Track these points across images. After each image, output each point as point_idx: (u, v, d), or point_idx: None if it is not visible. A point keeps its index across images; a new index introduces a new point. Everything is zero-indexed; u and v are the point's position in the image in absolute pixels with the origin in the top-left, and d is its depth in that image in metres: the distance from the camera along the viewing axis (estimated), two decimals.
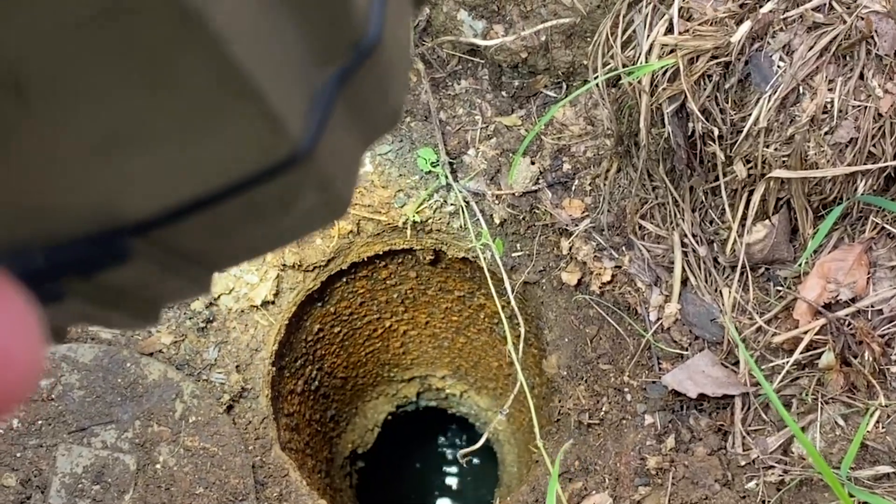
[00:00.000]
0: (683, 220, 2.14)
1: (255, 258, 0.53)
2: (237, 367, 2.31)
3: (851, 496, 1.79)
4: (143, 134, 0.34)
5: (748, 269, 2.09)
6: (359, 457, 3.84)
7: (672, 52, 1.90)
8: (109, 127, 0.33)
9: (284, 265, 2.37)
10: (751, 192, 2.04)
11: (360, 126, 0.46)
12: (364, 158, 2.35)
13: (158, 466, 2.11)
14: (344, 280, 2.74)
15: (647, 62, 1.93)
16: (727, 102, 1.92)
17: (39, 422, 2.07)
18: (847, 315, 1.95)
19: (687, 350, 2.16)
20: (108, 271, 0.42)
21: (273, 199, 0.42)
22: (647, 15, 1.96)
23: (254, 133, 0.36)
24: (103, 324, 0.52)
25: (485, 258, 2.40)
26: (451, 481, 4.79)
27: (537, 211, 2.33)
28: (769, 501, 1.92)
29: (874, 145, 1.85)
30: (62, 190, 0.36)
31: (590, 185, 2.29)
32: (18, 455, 2.03)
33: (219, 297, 2.31)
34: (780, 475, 1.94)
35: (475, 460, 4.75)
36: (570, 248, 2.30)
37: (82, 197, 0.37)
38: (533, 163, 2.31)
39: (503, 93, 2.40)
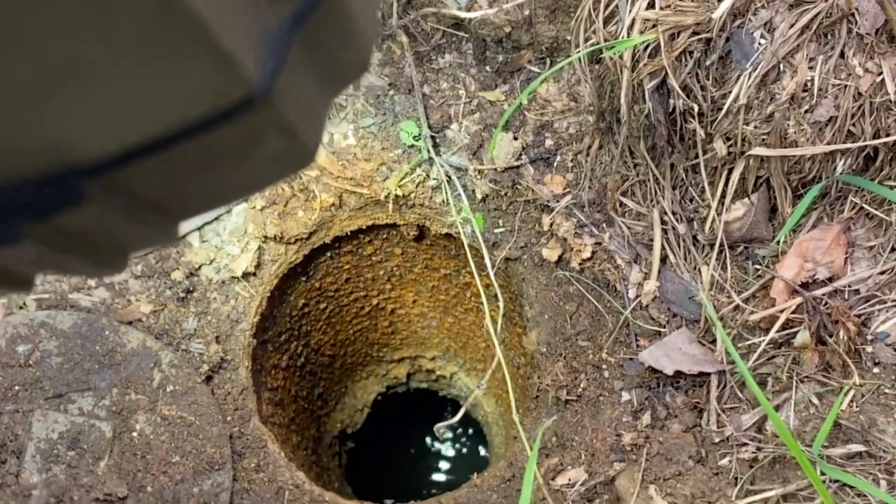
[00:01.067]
0: (664, 197, 2.14)
1: (219, 207, 0.53)
2: (217, 337, 2.32)
3: (823, 474, 1.79)
4: (88, 69, 0.34)
5: (727, 247, 2.09)
6: (348, 437, 3.85)
7: (654, 27, 1.89)
8: (53, 61, 0.33)
9: (266, 237, 2.37)
10: (730, 170, 2.04)
11: (322, 72, 0.46)
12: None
13: (135, 434, 2.11)
14: (328, 255, 2.74)
15: (628, 37, 1.93)
16: (708, 79, 1.91)
17: (16, 387, 2.08)
18: (824, 294, 1.95)
19: (665, 327, 2.16)
20: (63, 214, 0.41)
21: (232, 144, 0.42)
22: None
23: (205, 72, 0.36)
24: (68, 270, 0.52)
25: (465, 233, 2.40)
26: (442, 464, 4.80)
27: (519, 187, 2.32)
28: (742, 478, 1.92)
29: (853, 124, 1.85)
30: (10, 129, 0.36)
31: (571, 161, 2.29)
32: None
33: (199, 267, 2.31)
34: (754, 452, 1.94)
35: (465, 442, 4.76)
36: (551, 225, 2.30)
37: (32, 137, 0.37)
38: (516, 138, 2.31)
39: (487, 67, 2.39)
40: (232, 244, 2.34)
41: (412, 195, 2.42)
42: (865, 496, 1.79)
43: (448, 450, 4.83)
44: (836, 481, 1.82)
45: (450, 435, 4.82)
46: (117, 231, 0.46)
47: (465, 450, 4.82)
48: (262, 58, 0.38)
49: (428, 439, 4.85)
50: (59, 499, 2.00)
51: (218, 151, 0.42)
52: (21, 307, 2.19)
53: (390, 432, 4.44)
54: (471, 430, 4.76)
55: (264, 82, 0.39)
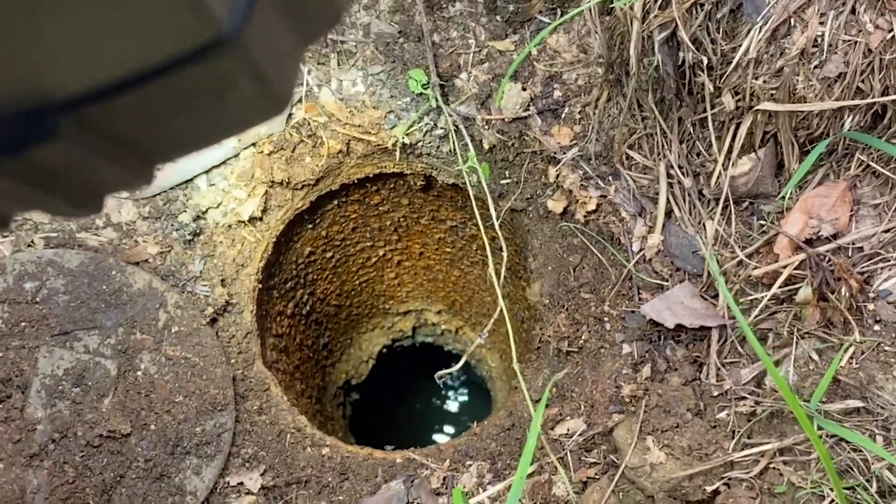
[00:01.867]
0: (670, 151, 2.14)
1: (192, 151, 0.53)
2: (222, 280, 2.33)
3: (820, 429, 1.80)
4: (61, 5, 0.35)
5: (732, 202, 2.09)
6: (353, 388, 3.87)
7: None
8: None
9: (273, 182, 2.38)
10: (738, 125, 2.03)
11: (294, 19, 0.46)
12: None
13: (139, 373, 2.13)
14: (335, 203, 2.75)
15: None
16: (718, 32, 1.91)
17: (23, 323, 2.09)
18: (827, 251, 1.95)
19: (667, 281, 2.17)
20: (37, 150, 0.42)
21: (203, 85, 0.42)
22: None
23: (176, 12, 0.37)
24: (43, 209, 0.53)
25: (471, 183, 2.41)
26: (446, 418, 4.83)
27: (526, 138, 2.32)
28: (739, 431, 1.93)
29: (863, 81, 1.84)
30: None
31: (579, 113, 2.29)
32: (0, 355, 2.05)
33: (206, 210, 2.32)
34: (752, 406, 1.95)
35: (469, 397, 4.78)
36: (557, 177, 2.30)
37: (5, 72, 0.37)
38: (524, 89, 2.31)
39: (497, 17, 2.39)
40: (239, 188, 2.35)
41: (419, 144, 2.42)
42: (861, 451, 1.80)
43: (451, 405, 4.86)
44: (833, 436, 1.83)
45: (451, 385, 4.84)
46: (91, 170, 0.47)
47: (468, 405, 4.85)
48: (233, 1, 0.39)
49: (432, 393, 4.88)
50: (63, 434, 2.03)
51: (189, 93, 0.42)
52: (29, 245, 2.20)
53: (395, 385, 4.46)
54: (474, 387, 4.78)
55: (235, 25, 0.39)
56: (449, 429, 4.79)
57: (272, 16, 0.43)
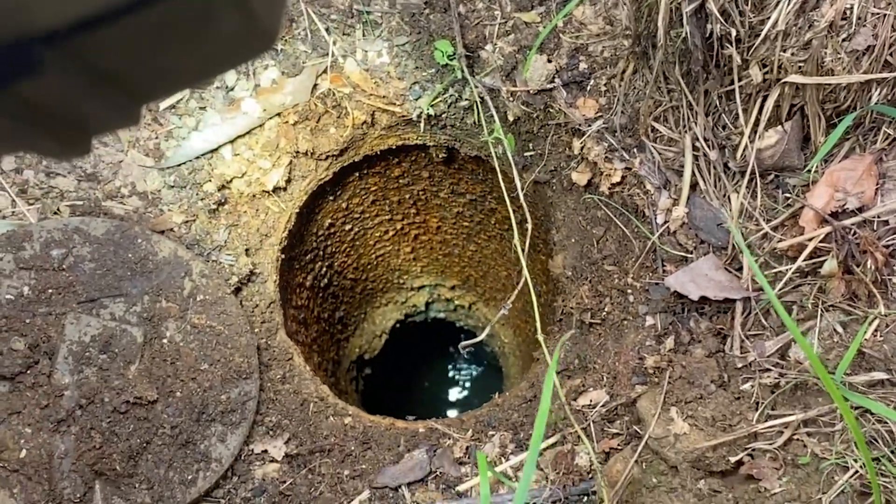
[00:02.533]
0: (696, 123, 2.14)
1: (183, 87, 0.53)
2: (246, 250, 2.34)
3: (845, 400, 1.81)
4: None
5: (758, 175, 2.09)
6: (365, 363, 3.88)
7: None
8: None
9: (297, 152, 2.38)
10: (765, 98, 2.03)
11: None
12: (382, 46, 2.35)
13: (165, 341, 2.14)
14: (356, 174, 2.76)
15: None
16: (747, 4, 1.91)
17: (49, 290, 2.10)
18: (853, 224, 1.96)
19: (692, 253, 2.17)
20: (24, 82, 0.42)
21: (187, 18, 0.42)
22: None
23: None
24: (32, 148, 0.53)
25: (496, 154, 2.41)
26: (458, 394, 4.84)
27: (551, 110, 2.33)
28: (763, 403, 1.94)
29: (891, 54, 1.84)
30: None
31: (605, 85, 2.29)
32: (28, 321, 2.06)
33: (231, 180, 2.33)
34: (776, 378, 1.96)
35: (480, 373, 4.79)
36: (582, 149, 2.30)
37: None
38: (549, 61, 2.31)
39: None
40: (264, 158, 2.36)
41: (444, 115, 2.43)
42: (886, 422, 1.81)
43: (462, 380, 4.88)
44: (857, 407, 1.84)
45: (463, 361, 4.85)
46: (78, 106, 0.47)
47: (479, 381, 4.86)
48: None
49: (443, 369, 4.89)
50: (90, 400, 2.04)
51: (174, 25, 0.43)
52: (55, 213, 2.21)
53: (407, 360, 4.48)
54: (484, 363, 4.79)
55: None
56: (460, 404, 4.81)
57: None
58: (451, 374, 4.90)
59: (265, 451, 2.17)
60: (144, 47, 0.44)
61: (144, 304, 2.15)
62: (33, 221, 2.18)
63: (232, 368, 2.16)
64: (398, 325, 4.01)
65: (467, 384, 4.87)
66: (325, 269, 3.09)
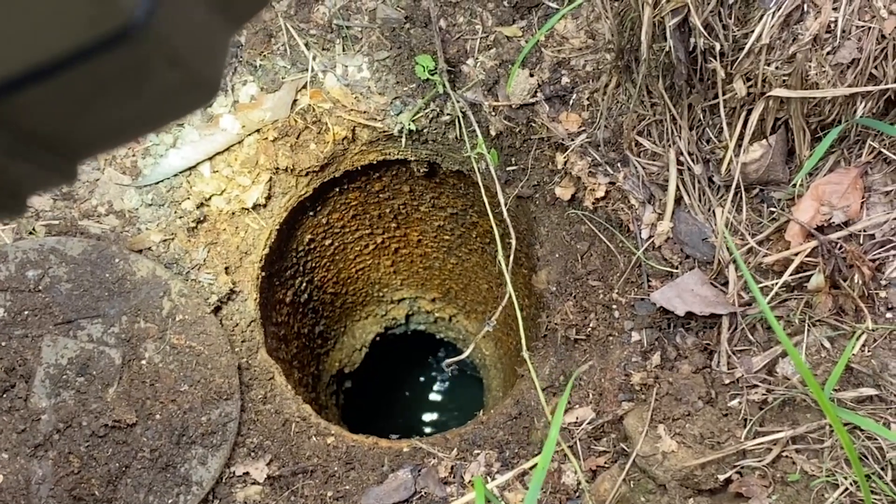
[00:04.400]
0: (680, 137, 2.13)
1: (118, 145, 0.52)
2: (226, 268, 2.31)
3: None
4: None
5: (742, 189, 2.08)
6: (346, 377, 3.86)
7: None
8: None
9: (277, 168, 2.36)
10: (749, 112, 2.02)
11: (217, 2, 0.45)
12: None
13: (144, 362, 2.11)
14: (337, 190, 2.73)
15: None
16: (730, 18, 1.90)
17: (25, 312, 2.07)
18: (839, 238, 1.95)
19: (677, 269, 2.16)
20: None
21: (118, 75, 0.41)
22: None
23: (80, 1, 0.36)
24: None
25: (478, 169, 2.39)
26: (438, 406, 4.82)
27: (534, 124, 2.31)
28: (751, 419, 1.92)
29: (876, 67, 1.83)
30: None
31: (588, 99, 2.27)
32: (3, 344, 2.03)
33: (210, 197, 2.30)
34: (764, 394, 1.95)
35: (460, 386, 4.77)
36: (565, 163, 2.29)
37: None
38: (532, 75, 2.29)
39: (504, 2, 2.37)
40: (243, 175, 2.33)
41: (425, 130, 2.40)
42: (876, 439, 1.80)
43: (442, 393, 4.85)
44: (847, 423, 1.83)
45: (443, 374, 4.84)
46: (7, 170, 0.45)
47: (458, 394, 4.84)
48: None
49: (423, 382, 4.87)
50: (68, 424, 2.00)
51: (103, 84, 0.41)
52: (30, 232, 2.18)
53: (387, 373, 4.45)
54: (464, 375, 4.77)
55: (142, 13, 0.38)
56: (441, 417, 4.78)
57: (189, 1, 0.41)
58: (431, 386, 4.87)
59: (247, 473, 2.14)
60: (74, 107, 0.42)
61: (122, 324, 2.11)
62: (8, 242, 2.14)
63: (212, 389, 2.13)
64: (378, 339, 3.99)
65: (448, 397, 4.85)
66: (304, 284, 3.07)
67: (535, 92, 2.29)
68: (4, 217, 0.52)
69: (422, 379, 4.86)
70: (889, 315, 1.90)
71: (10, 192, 0.49)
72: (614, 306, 2.21)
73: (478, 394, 4.11)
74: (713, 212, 2.12)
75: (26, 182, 0.49)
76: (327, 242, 3.03)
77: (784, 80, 1.89)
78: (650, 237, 2.19)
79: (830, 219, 1.95)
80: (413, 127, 2.36)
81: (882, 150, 1.95)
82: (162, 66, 0.42)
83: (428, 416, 4.78)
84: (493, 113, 2.31)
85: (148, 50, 0.40)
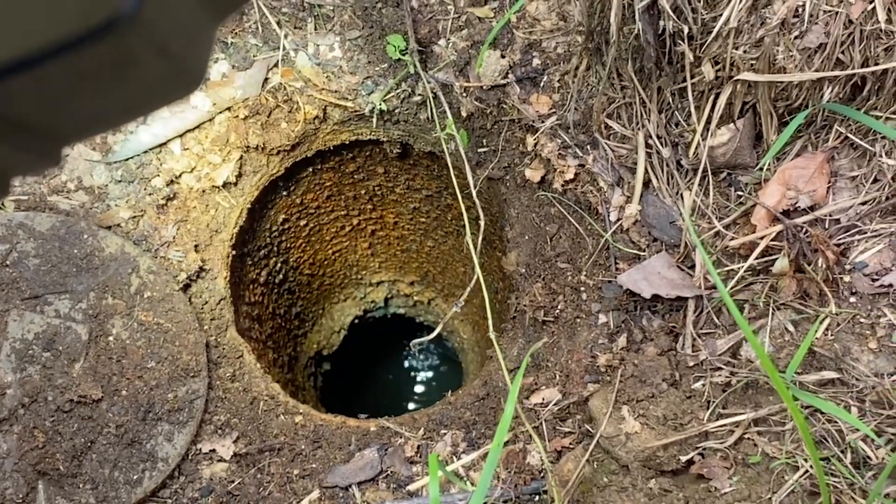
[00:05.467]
0: (649, 120, 2.13)
1: (105, 130, 0.52)
2: (195, 246, 2.31)
3: (796, 399, 1.80)
4: None
5: (710, 172, 2.08)
6: (324, 359, 3.86)
7: None
8: None
9: (248, 147, 2.35)
10: (717, 95, 2.03)
11: None
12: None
13: (111, 338, 2.11)
14: (310, 170, 2.73)
15: None
16: (699, 1, 1.90)
17: None
18: (804, 222, 1.95)
19: (644, 251, 2.16)
20: None
21: (103, 64, 0.41)
22: None
23: None
24: None
25: (449, 150, 2.39)
26: (417, 389, 4.83)
27: (504, 106, 2.31)
28: (714, 402, 1.93)
29: (843, 52, 1.84)
30: None
31: (558, 81, 2.27)
32: None
33: (180, 175, 2.30)
34: (727, 377, 1.96)
35: (440, 369, 4.78)
36: (536, 145, 2.29)
37: None
38: (503, 56, 2.29)
39: None
40: (213, 153, 2.32)
41: (397, 111, 2.40)
42: (836, 422, 1.81)
43: (422, 376, 4.86)
44: (808, 407, 1.84)
45: (423, 356, 4.84)
46: None
47: (438, 376, 4.85)
48: None
49: (403, 365, 4.88)
50: (33, 398, 2.00)
51: (90, 72, 0.42)
52: None
53: (366, 356, 4.45)
54: (444, 358, 4.78)
55: (131, 3, 0.38)
56: (419, 400, 4.79)
57: None
58: (410, 369, 4.88)
59: (213, 451, 2.14)
60: (60, 94, 0.43)
61: (90, 300, 2.11)
62: None
63: (179, 366, 2.13)
64: (357, 321, 3.99)
65: (426, 380, 4.86)
66: (279, 264, 3.06)
67: (507, 73, 2.29)
68: None
69: (401, 362, 4.87)
70: (852, 299, 1.91)
71: None
72: (582, 288, 2.22)
73: (457, 377, 4.11)
74: (681, 195, 2.13)
75: (12, 166, 0.49)
76: (302, 223, 3.03)
77: (752, 64, 1.90)
78: (618, 220, 2.20)
79: (796, 203, 1.96)
80: (384, 107, 2.36)
81: (848, 135, 1.95)
82: (149, 56, 0.43)
83: (407, 400, 4.79)
84: (465, 94, 2.31)
85: (136, 39, 0.40)
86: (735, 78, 1.93)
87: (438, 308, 3.99)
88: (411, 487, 2.09)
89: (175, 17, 0.43)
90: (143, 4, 0.39)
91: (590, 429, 2.03)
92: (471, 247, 2.19)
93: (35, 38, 0.37)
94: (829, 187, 1.97)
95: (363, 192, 3.03)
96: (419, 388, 4.83)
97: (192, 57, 0.47)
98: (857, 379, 1.83)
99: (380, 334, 4.22)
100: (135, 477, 2.04)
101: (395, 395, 4.81)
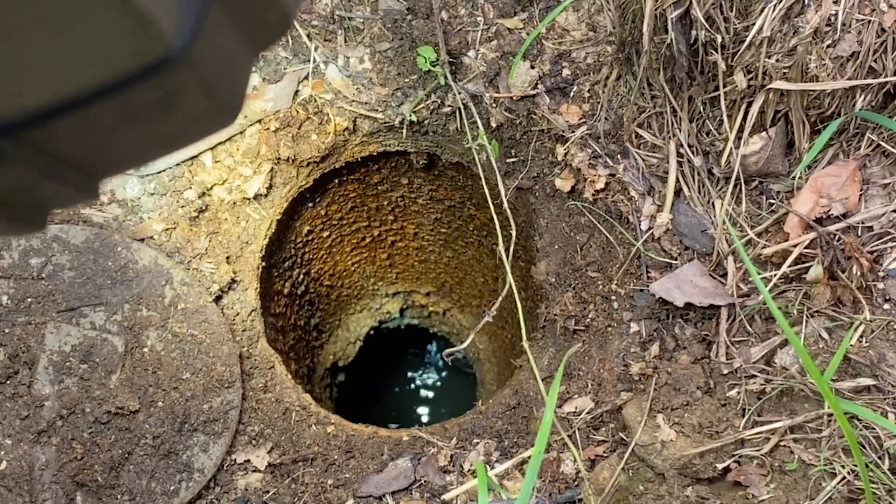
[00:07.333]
0: (680, 129, 2.14)
1: (142, 165, 0.53)
2: (227, 258, 2.32)
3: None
4: (7, 28, 0.34)
5: (742, 181, 2.09)
6: (339, 370, 3.86)
7: None
8: None
9: (279, 159, 2.37)
10: (749, 104, 2.04)
11: (244, 30, 0.45)
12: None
13: (146, 350, 2.12)
14: (336, 181, 2.74)
15: None
16: (731, 11, 1.91)
17: (29, 299, 2.07)
18: (837, 230, 1.96)
19: (676, 260, 2.17)
20: None
21: (151, 103, 0.42)
22: None
23: (122, 32, 0.36)
24: None
25: (479, 160, 2.40)
26: (430, 401, 4.83)
27: (534, 116, 2.32)
28: (749, 409, 1.94)
29: (875, 60, 1.85)
30: None
31: (588, 91, 2.29)
32: (7, 331, 2.03)
33: (212, 187, 2.31)
34: (762, 385, 1.96)
35: (451, 380, 4.78)
36: (566, 155, 2.30)
37: None
38: (533, 67, 2.30)
39: None
40: (245, 165, 2.33)
41: (426, 122, 2.42)
42: (874, 428, 1.81)
43: (433, 387, 4.86)
44: (845, 413, 1.84)
45: (433, 367, 4.85)
46: (36, 189, 0.46)
47: (450, 388, 4.85)
48: (180, 18, 0.38)
49: (415, 376, 4.88)
50: (71, 410, 2.01)
51: (137, 111, 0.42)
52: None
53: (380, 367, 4.46)
54: (454, 370, 4.78)
55: (183, 42, 0.39)
56: (432, 411, 4.79)
57: (221, 29, 0.42)
58: (424, 381, 4.88)
59: (248, 461, 2.15)
60: (105, 132, 0.43)
61: (125, 312, 2.12)
62: None
63: (214, 377, 2.14)
64: (372, 332, 4.00)
65: (440, 391, 4.86)
66: (302, 276, 3.07)
67: (536, 84, 2.30)
68: (26, 232, 0.53)
69: (414, 373, 4.87)
70: (886, 306, 1.92)
71: (35, 208, 0.50)
72: (613, 297, 2.23)
73: (469, 388, 4.11)
74: (712, 203, 2.14)
75: (51, 199, 0.50)
76: (325, 234, 3.04)
77: (784, 73, 1.91)
78: (649, 228, 2.21)
79: (829, 211, 1.97)
80: (414, 118, 2.37)
81: (881, 142, 1.97)
82: (194, 93, 0.43)
83: (420, 411, 4.79)
84: (494, 104, 2.32)
85: (182, 78, 0.41)
86: (767, 87, 1.95)
87: (454, 318, 4.00)
88: (446, 497, 2.09)
89: (220, 54, 0.43)
90: (193, 43, 0.39)
91: (623, 437, 2.04)
92: (503, 256, 2.19)
93: (86, 78, 0.38)
94: (861, 195, 1.98)
95: (385, 202, 3.05)
96: (432, 400, 4.83)
97: (233, 89, 0.48)
98: (892, 385, 1.83)
99: (394, 345, 4.22)
100: (171, 488, 2.05)
101: (408, 406, 4.81)
